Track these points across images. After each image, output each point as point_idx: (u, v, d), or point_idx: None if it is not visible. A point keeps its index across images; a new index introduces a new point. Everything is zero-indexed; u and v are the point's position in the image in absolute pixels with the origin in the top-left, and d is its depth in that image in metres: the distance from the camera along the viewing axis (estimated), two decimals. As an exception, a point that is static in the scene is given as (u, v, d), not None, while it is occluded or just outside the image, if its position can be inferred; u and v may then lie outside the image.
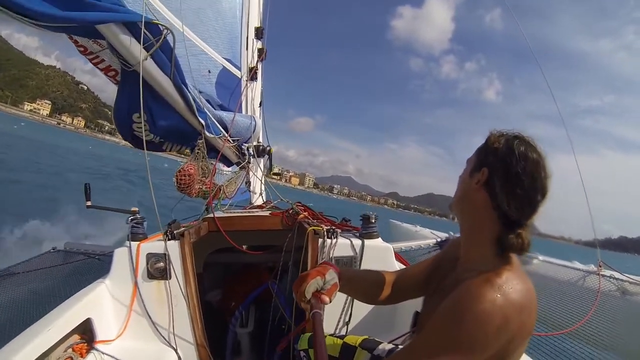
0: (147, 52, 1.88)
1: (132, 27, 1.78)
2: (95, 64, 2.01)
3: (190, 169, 2.40)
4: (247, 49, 3.30)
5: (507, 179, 0.99)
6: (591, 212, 2.61)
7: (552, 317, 2.21)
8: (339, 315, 2.18)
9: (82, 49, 1.91)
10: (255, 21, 3.46)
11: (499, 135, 1.08)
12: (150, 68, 1.97)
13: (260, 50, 3.49)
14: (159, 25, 1.89)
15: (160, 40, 1.89)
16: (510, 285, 0.91)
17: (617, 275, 2.55)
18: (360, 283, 1.46)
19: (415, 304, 1.98)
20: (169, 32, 1.92)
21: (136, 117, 2.17)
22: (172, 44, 2.00)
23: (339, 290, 1.27)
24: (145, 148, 2.02)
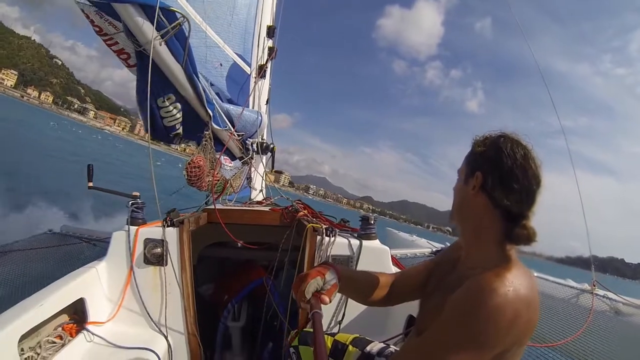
0: (162, 37, 1.89)
1: (148, 10, 1.80)
2: (109, 46, 2.02)
3: (200, 161, 2.40)
4: (258, 46, 3.33)
5: (502, 177, 1.02)
6: (588, 234, 2.63)
7: (543, 331, 2.21)
8: (332, 313, 2.17)
9: (97, 29, 1.92)
10: (267, 20, 3.49)
11: (483, 138, 1.12)
12: (164, 54, 1.99)
13: (270, 49, 3.51)
14: (176, 13, 1.91)
15: (175, 27, 1.91)
16: (520, 281, 0.93)
17: (610, 295, 2.56)
18: (359, 284, 1.45)
19: (409, 308, 1.99)
20: (184, 20, 1.94)
21: (160, 101, 2.20)
22: (187, 33, 2.02)
23: (337, 291, 1.27)
24: (149, 131, 2.03)
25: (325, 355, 0.89)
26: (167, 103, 2.26)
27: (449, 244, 4.23)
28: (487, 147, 1.08)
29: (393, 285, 1.47)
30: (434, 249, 3.97)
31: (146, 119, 2.27)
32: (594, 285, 2.64)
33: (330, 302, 1.16)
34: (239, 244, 2.55)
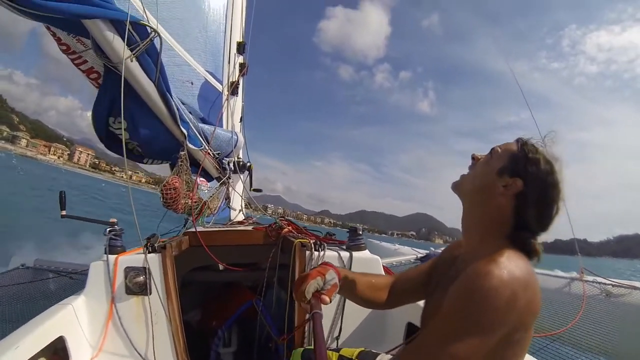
0: (132, 53, 1.82)
1: (119, 25, 1.72)
2: (77, 65, 1.91)
3: (175, 182, 2.30)
4: (229, 63, 3.30)
5: (541, 201, 1.03)
6: (571, 224, 2.71)
7: (542, 321, 2.22)
8: (328, 329, 2.09)
9: (64, 47, 1.82)
10: (237, 36, 3.48)
11: (537, 149, 1.08)
12: (135, 71, 1.91)
13: (241, 65, 3.49)
14: (147, 27, 1.84)
15: (146, 42, 1.84)
16: (514, 263, 0.93)
17: (599, 279, 2.63)
18: (359, 285, 1.42)
19: (407, 315, 1.94)
20: (156, 34, 1.88)
21: (112, 121, 2.09)
22: (158, 48, 1.95)
23: (337, 292, 1.23)
24: (125, 154, 1.93)
25: (326, 355, 0.86)
26: (116, 125, 2.17)
27: (433, 249, 4.27)
28: (542, 164, 1.05)
29: (393, 286, 1.46)
30: (419, 255, 3.98)
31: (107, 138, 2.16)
32: (582, 273, 2.71)
33: (330, 302, 1.14)
34: (221, 267, 2.44)
